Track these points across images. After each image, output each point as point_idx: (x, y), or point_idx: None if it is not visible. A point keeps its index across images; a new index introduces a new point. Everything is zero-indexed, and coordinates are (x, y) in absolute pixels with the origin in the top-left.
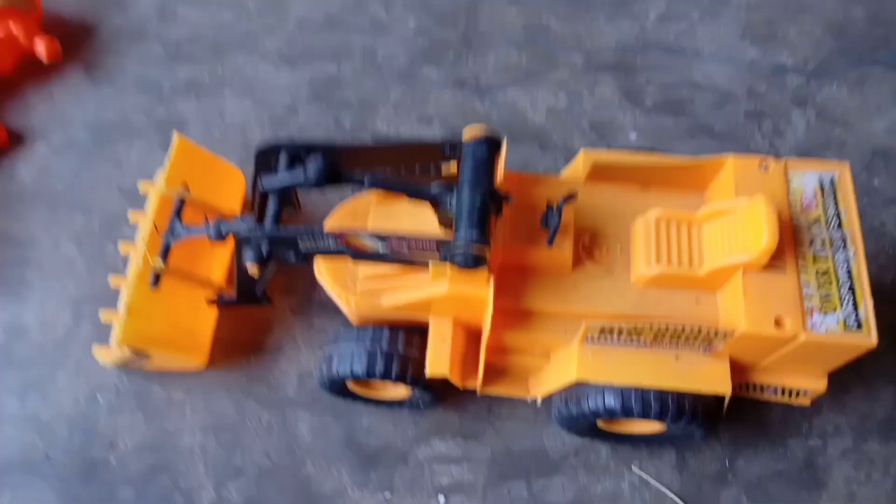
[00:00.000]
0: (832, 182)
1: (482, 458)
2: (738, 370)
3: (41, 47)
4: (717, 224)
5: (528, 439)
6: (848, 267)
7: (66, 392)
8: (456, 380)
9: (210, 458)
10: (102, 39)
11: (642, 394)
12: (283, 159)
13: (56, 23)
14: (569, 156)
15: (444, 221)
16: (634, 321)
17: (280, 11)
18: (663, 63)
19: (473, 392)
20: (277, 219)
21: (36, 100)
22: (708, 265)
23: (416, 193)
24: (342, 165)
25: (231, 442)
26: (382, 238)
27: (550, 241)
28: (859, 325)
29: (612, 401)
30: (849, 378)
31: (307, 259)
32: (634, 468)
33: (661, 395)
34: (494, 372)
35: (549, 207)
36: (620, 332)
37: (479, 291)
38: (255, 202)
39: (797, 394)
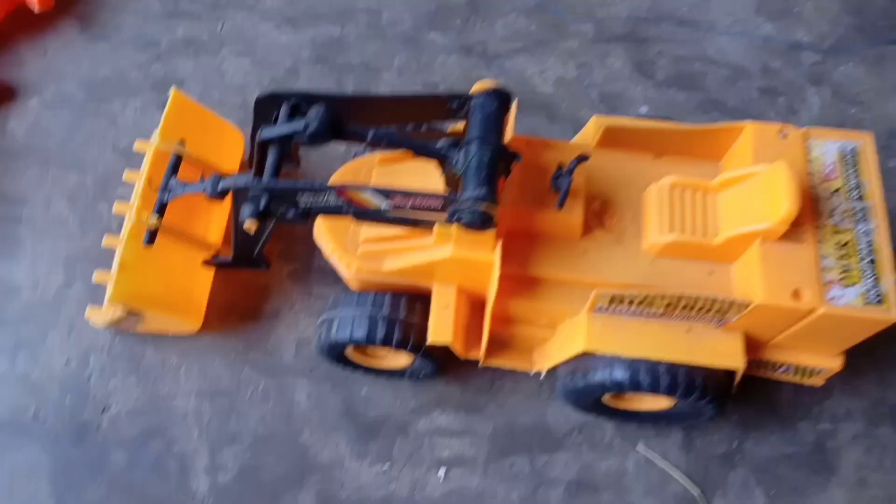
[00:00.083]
0: (854, 152)
1: (484, 432)
2: (750, 347)
3: None
4: (735, 192)
5: (532, 414)
6: (870, 239)
7: (58, 353)
8: (458, 349)
9: (205, 424)
10: None
11: (652, 367)
12: (283, 111)
13: None
14: (577, 127)
15: (451, 181)
16: (646, 291)
17: None
18: (676, 36)
19: (475, 365)
20: (276, 172)
21: (29, 54)
22: (723, 234)
23: (422, 149)
24: (345, 119)
25: (226, 408)
26: (386, 194)
27: (561, 204)
28: (880, 300)
29: (620, 373)
30: (861, 362)
31: (307, 217)
32: (640, 447)
33: (672, 368)
34: (498, 343)
35: (560, 169)
36: (631, 302)
37: (485, 256)
38: (254, 155)
39: (810, 373)
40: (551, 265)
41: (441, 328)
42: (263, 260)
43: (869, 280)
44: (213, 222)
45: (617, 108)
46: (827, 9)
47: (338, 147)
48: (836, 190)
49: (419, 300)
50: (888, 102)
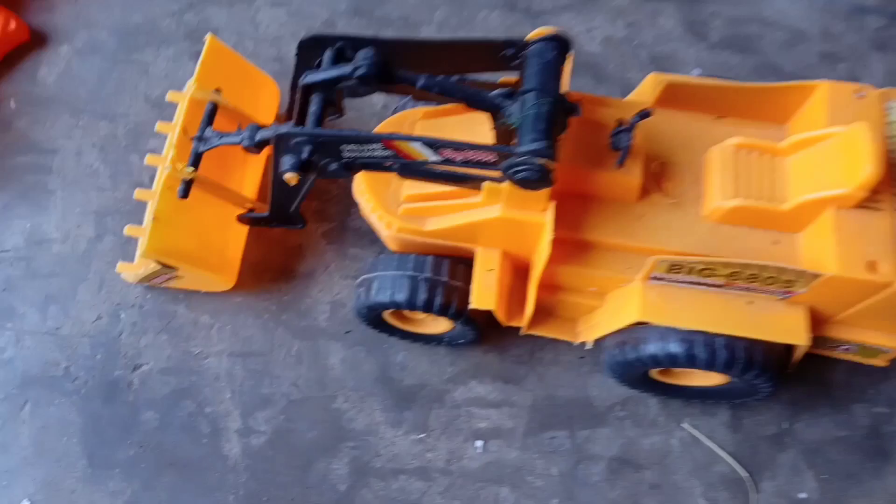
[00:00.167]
0: None
1: (523, 404)
2: (813, 322)
3: None
4: (807, 154)
5: (573, 387)
6: None
7: (88, 308)
8: (501, 316)
9: (237, 386)
10: None
11: (709, 340)
12: (327, 57)
13: None
14: (625, 89)
15: (503, 136)
16: (709, 260)
17: None
18: None
19: (514, 334)
20: (320, 120)
21: None
22: (793, 200)
23: (474, 98)
24: (394, 64)
25: (259, 369)
26: (437, 147)
27: (621, 162)
28: None
29: (675, 347)
30: None
31: (350, 170)
32: (686, 424)
33: (731, 342)
34: (541, 311)
35: (620, 125)
36: (691, 271)
37: (536, 217)
38: (296, 101)
39: (874, 353)
40: (605, 229)
41: (484, 293)
42: (300, 217)
43: None
44: (248, 176)
45: (667, 70)
46: None
47: (374, 102)
48: None
49: (462, 262)
50: None
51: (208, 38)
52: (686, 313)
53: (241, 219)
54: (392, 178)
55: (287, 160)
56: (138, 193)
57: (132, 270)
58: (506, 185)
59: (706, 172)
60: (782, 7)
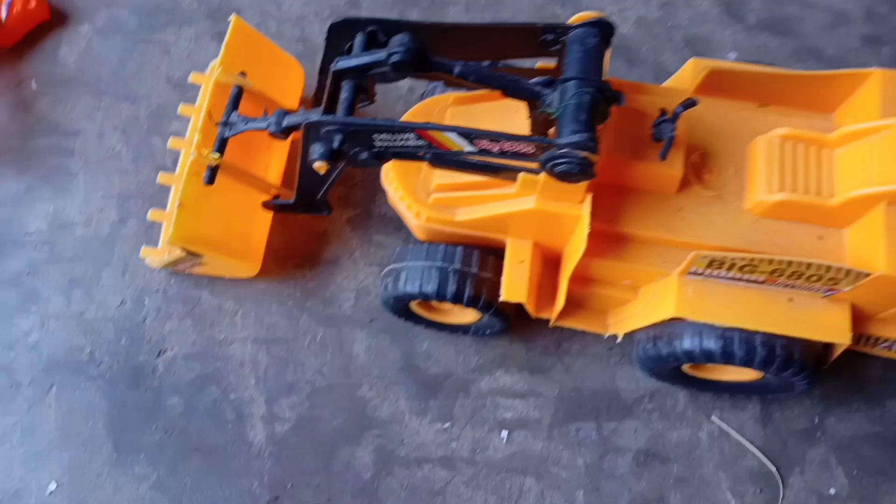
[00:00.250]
0: None
1: (549, 395)
2: (854, 319)
3: None
4: (857, 147)
5: (600, 379)
6: None
7: (112, 292)
8: (531, 308)
9: (261, 372)
10: None
11: (747, 337)
12: (358, 41)
13: None
14: (658, 73)
15: (540, 125)
16: (751, 255)
17: None
18: None
19: (541, 324)
20: (351, 108)
21: None
22: (842, 194)
23: (513, 86)
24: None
25: (283, 356)
26: (471, 137)
27: (664, 155)
28: None
29: (711, 343)
30: None
31: (381, 159)
32: (714, 418)
33: (769, 340)
34: (571, 303)
35: (663, 114)
36: (731, 267)
37: (571, 210)
38: (326, 87)
39: None
40: (643, 222)
41: (515, 285)
42: (326, 204)
43: None
44: (273, 162)
45: (702, 54)
46: None
47: (400, 86)
48: None
49: (491, 253)
50: None
51: (233, 18)
52: (724, 310)
53: (267, 205)
54: (421, 166)
55: (317, 148)
56: (162, 177)
57: (156, 256)
58: (542, 176)
59: (749, 164)
60: None
